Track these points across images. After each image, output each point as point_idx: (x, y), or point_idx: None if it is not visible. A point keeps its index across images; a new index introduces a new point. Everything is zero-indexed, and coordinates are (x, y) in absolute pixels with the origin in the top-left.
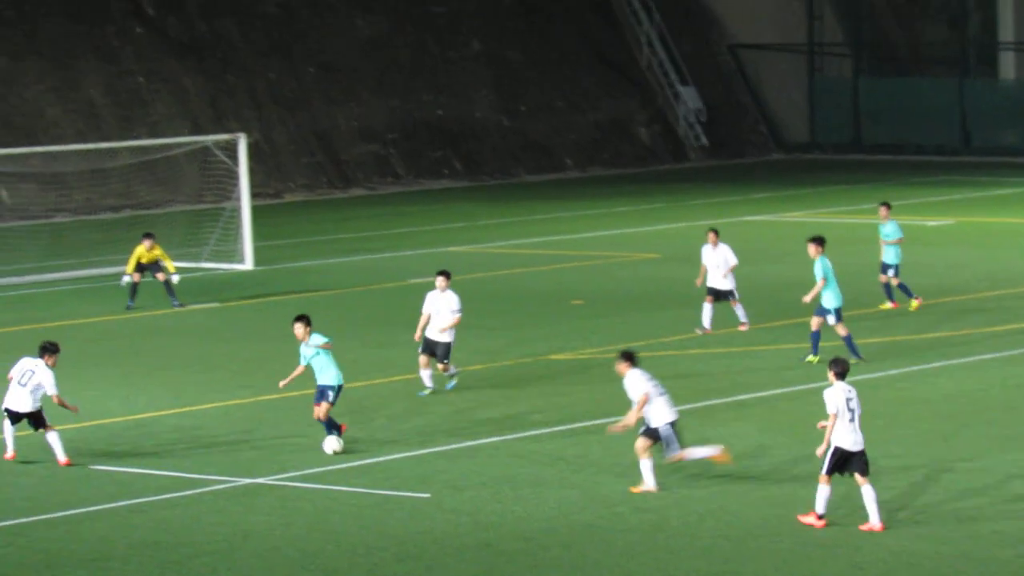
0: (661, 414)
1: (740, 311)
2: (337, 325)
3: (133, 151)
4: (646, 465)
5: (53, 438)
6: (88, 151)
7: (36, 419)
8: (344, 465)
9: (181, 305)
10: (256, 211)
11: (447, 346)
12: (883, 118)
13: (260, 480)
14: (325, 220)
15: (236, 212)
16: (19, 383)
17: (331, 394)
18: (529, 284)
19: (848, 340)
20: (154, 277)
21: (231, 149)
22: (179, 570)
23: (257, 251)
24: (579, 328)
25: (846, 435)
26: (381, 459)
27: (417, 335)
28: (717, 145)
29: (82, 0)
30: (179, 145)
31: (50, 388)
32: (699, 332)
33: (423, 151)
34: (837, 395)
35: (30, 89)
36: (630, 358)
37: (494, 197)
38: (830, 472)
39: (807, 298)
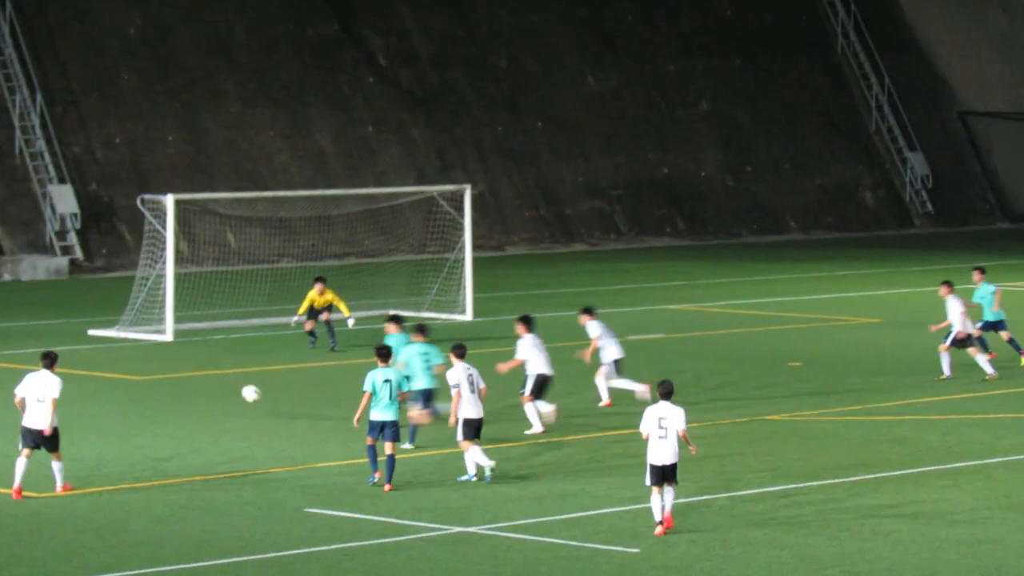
0: None
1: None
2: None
3: (359, 199)
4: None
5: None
6: (315, 198)
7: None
8: (556, 517)
9: (336, 349)
10: (478, 263)
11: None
12: None
13: (471, 529)
14: (546, 274)
15: (459, 263)
16: (38, 400)
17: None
18: (747, 344)
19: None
20: (320, 321)
21: (456, 200)
22: None
23: (478, 303)
24: (795, 390)
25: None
26: (592, 512)
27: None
28: (943, 212)
29: (316, 49)
30: (405, 195)
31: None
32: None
33: (647, 209)
34: None
35: (261, 135)
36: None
37: (716, 257)
38: None
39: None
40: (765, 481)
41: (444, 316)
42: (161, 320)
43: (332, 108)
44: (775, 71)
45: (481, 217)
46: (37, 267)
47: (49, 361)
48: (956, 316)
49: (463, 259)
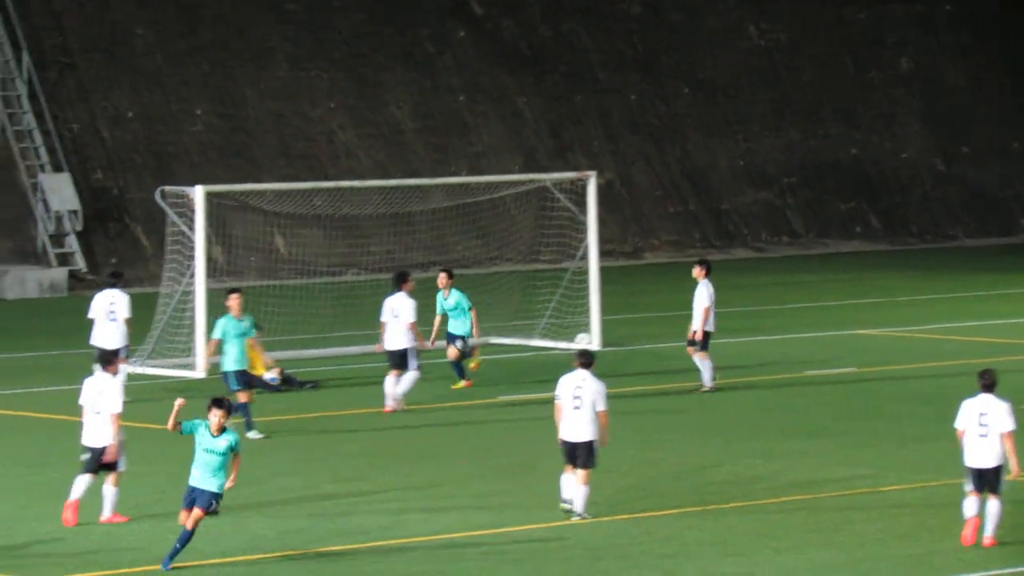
0: None
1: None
2: (698, 433)
3: (447, 191)
4: None
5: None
6: (389, 189)
7: None
8: None
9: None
10: (607, 274)
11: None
12: None
13: None
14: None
15: (582, 275)
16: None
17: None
18: (965, 383)
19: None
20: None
21: (577, 192)
22: None
23: (607, 327)
24: None
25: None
26: None
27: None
28: None
29: None
30: (509, 184)
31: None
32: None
33: (830, 202)
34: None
35: (318, 107)
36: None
37: (922, 266)
38: None
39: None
40: (993, 563)
41: (562, 345)
42: (190, 351)
43: (411, 71)
44: (1002, 18)
45: (610, 214)
46: (26, 282)
47: (107, 359)
48: (699, 309)
49: (587, 270)
